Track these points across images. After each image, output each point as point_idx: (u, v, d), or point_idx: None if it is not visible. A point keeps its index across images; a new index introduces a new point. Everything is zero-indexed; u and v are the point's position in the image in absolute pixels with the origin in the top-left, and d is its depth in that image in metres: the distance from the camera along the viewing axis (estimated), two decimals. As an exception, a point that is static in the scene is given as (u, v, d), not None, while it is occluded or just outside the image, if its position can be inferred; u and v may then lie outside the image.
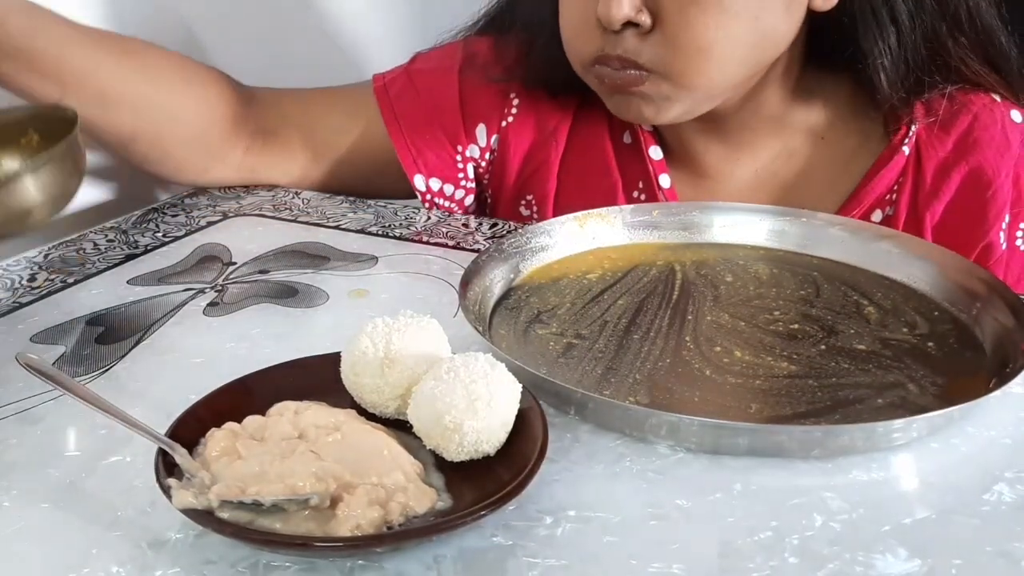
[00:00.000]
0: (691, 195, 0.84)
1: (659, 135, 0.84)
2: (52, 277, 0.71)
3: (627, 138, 0.85)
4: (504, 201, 0.88)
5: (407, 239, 0.79)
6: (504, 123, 0.86)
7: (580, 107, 0.86)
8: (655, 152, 0.83)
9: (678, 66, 0.71)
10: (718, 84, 0.73)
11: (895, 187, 0.78)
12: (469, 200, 0.90)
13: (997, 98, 0.78)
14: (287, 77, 0.93)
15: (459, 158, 0.87)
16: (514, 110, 0.86)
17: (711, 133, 0.82)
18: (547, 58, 0.81)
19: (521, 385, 0.48)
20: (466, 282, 0.63)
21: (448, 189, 0.88)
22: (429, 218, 0.84)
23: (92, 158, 0.91)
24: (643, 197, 0.84)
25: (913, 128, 0.78)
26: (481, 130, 0.86)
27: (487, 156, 0.88)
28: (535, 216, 0.87)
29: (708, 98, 0.75)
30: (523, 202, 0.88)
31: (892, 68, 0.74)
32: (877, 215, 0.79)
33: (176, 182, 0.88)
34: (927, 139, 0.78)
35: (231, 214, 0.84)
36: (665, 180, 0.83)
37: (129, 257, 0.75)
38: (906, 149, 0.78)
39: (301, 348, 0.55)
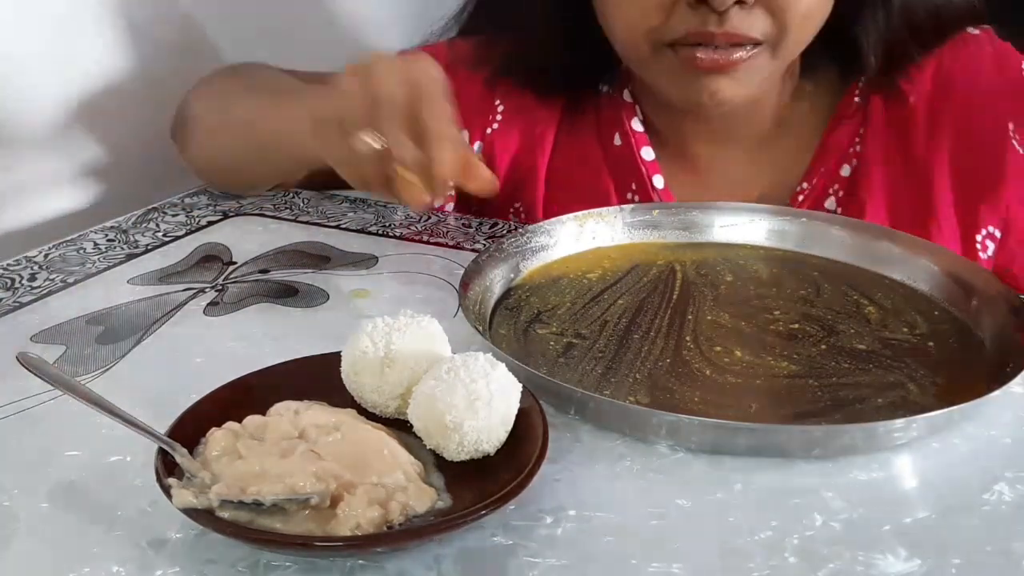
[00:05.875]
0: (684, 193, 0.84)
1: (652, 135, 0.84)
2: (52, 277, 0.71)
3: (617, 140, 0.84)
4: (492, 210, 0.87)
5: (407, 239, 0.79)
6: (489, 130, 0.85)
7: (565, 112, 0.85)
8: (647, 153, 0.83)
9: (785, 35, 0.70)
10: (799, 51, 0.74)
11: (857, 140, 0.80)
12: (449, 208, 0.88)
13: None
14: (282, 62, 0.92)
15: None
16: (499, 117, 0.85)
17: (701, 122, 0.82)
18: (539, 53, 0.81)
19: (521, 385, 0.48)
20: (466, 282, 0.63)
21: None
22: (429, 218, 0.84)
23: (91, 156, 0.91)
24: (637, 199, 0.83)
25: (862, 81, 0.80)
26: (463, 137, 0.85)
27: None
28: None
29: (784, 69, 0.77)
30: (511, 210, 0.87)
31: (878, 46, 0.76)
32: (845, 170, 0.80)
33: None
34: (903, 89, 0.79)
35: (231, 214, 0.84)
36: (659, 181, 0.83)
37: (129, 257, 0.75)
38: (857, 98, 0.80)
39: (301, 348, 0.55)
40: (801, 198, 0.81)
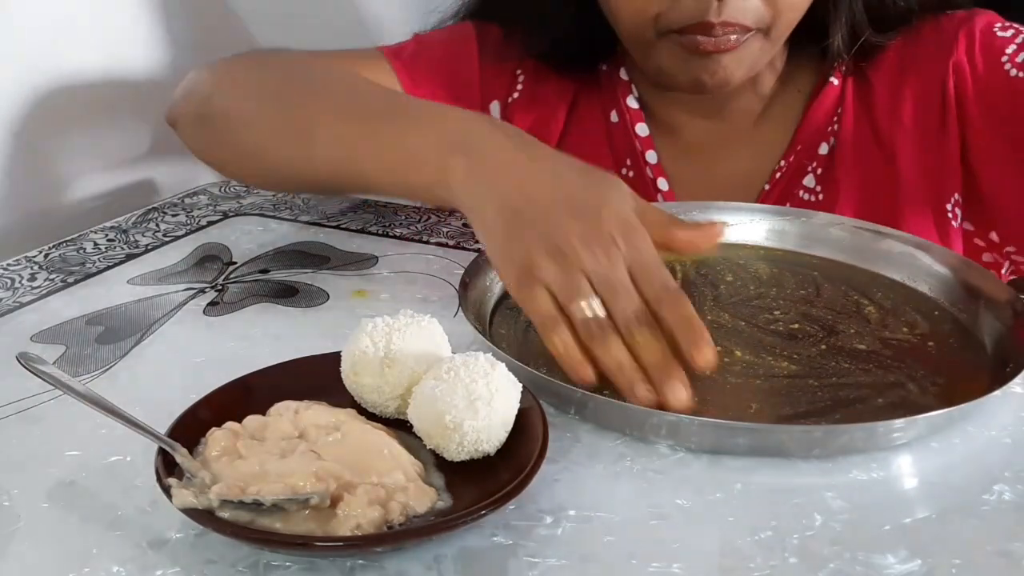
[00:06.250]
0: (675, 168, 0.85)
1: (647, 112, 0.86)
2: (52, 277, 0.71)
3: (614, 117, 0.86)
4: None
5: (407, 239, 0.79)
6: (510, 99, 0.87)
7: (577, 90, 0.87)
8: (642, 129, 0.85)
9: (777, 20, 0.73)
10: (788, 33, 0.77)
11: (835, 119, 0.82)
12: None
13: None
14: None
15: None
16: (519, 86, 0.87)
17: (693, 100, 0.84)
18: (542, 36, 0.83)
19: (521, 385, 0.48)
20: (466, 282, 0.63)
21: None
22: (429, 218, 0.84)
23: (92, 156, 0.92)
24: (631, 174, 0.85)
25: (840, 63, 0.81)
26: (495, 107, 0.87)
27: None
28: None
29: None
30: None
31: (843, 29, 0.78)
32: (823, 148, 0.82)
33: None
34: (867, 71, 0.81)
35: (231, 214, 0.84)
36: (652, 156, 0.85)
37: (129, 257, 0.75)
38: (834, 80, 0.82)
39: (301, 348, 0.55)
40: (779, 175, 0.83)
